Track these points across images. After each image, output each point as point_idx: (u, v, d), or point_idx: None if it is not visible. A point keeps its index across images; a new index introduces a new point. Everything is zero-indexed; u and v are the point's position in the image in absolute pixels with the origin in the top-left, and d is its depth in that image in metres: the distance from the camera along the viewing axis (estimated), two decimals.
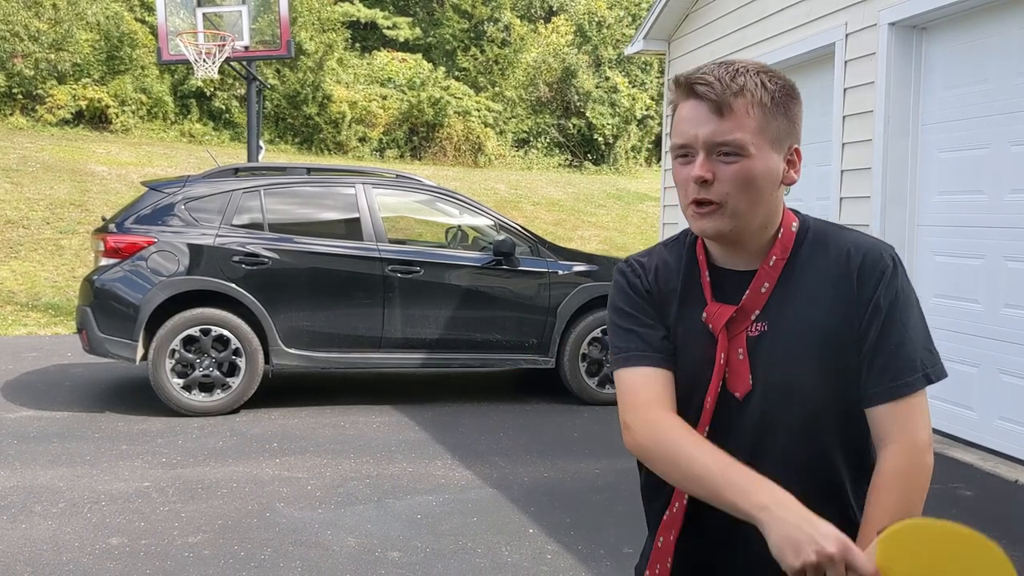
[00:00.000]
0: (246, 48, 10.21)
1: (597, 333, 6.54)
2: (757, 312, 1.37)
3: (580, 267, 6.67)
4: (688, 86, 1.32)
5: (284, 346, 6.08)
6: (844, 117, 6.17)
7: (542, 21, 27.55)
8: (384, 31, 26.35)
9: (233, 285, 6.00)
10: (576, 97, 24.10)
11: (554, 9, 28.04)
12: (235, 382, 5.99)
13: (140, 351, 5.92)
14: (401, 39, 26.36)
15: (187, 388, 5.94)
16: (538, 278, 6.51)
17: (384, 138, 22.19)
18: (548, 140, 24.16)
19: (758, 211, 1.34)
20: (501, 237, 6.55)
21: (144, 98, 19.80)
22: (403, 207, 7.30)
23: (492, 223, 6.77)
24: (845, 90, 6.17)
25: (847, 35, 6.14)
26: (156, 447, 5.22)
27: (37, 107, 18.90)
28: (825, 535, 1.11)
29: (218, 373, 5.97)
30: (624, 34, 25.14)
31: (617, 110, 24.02)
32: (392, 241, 6.49)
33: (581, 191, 19.36)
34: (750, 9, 7.42)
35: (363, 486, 4.59)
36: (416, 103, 22.16)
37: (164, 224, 6.06)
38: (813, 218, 1.43)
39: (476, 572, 3.55)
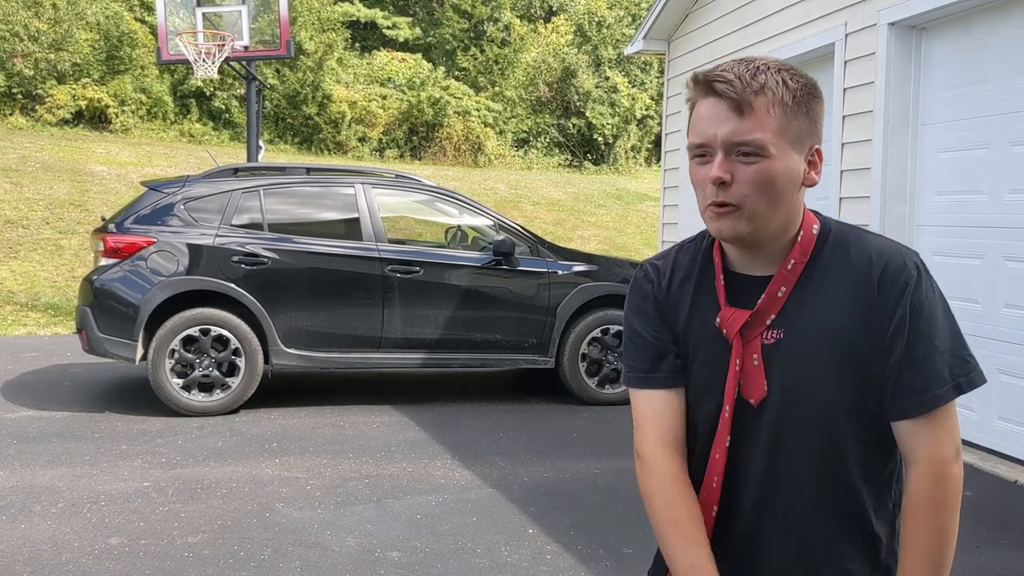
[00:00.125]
0: (246, 48, 10.20)
1: (597, 333, 6.54)
2: (773, 317, 1.33)
3: (580, 267, 6.67)
4: (707, 83, 1.28)
5: (284, 346, 6.08)
6: (844, 117, 6.16)
7: (542, 21, 27.54)
8: (384, 31, 26.35)
9: (233, 285, 6.00)
10: (576, 97, 24.09)
11: (554, 9, 28.04)
12: (235, 382, 5.99)
13: (140, 351, 5.92)
14: (401, 39, 26.36)
15: (187, 388, 5.94)
16: (538, 278, 6.51)
17: (384, 138, 22.18)
18: (548, 140, 24.15)
19: (778, 213, 1.29)
20: (501, 237, 6.55)
21: (144, 98, 19.79)
22: (403, 207, 7.30)
23: (492, 223, 6.77)
24: (845, 90, 6.16)
25: (847, 35, 6.14)
26: (156, 447, 5.22)
27: (37, 107, 18.89)
28: None
29: (218, 373, 5.97)
30: (624, 34, 25.13)
31: (617, 110, 24.01)
32: (392, 241, 6.49)
33: (581, 191, 19.36)
34: (750, 9, 7.42)
35: (363, 486, 4.59)
36: (416, 103, 22.16)
37: (164, 224, 6.06)
38: (835, 221, 1.38)
39: (476, 572, 3.55)
